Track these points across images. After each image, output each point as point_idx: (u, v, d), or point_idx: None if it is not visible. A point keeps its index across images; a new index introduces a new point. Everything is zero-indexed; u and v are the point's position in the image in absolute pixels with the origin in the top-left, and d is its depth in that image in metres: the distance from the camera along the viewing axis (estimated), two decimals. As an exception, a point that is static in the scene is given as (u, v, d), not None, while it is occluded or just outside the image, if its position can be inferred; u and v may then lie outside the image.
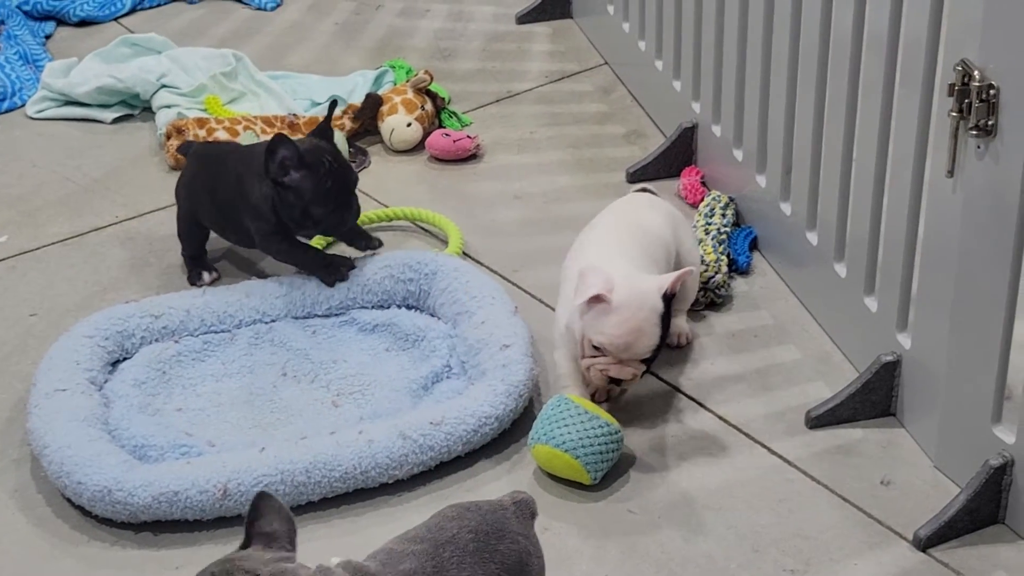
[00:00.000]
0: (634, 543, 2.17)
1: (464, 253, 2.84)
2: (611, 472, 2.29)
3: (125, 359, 2.54)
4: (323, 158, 2.57)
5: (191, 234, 2.80)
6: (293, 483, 2.21)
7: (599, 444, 2.23)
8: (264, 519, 1.70)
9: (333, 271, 2.65)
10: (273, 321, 2.63)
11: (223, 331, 2.61)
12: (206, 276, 2.78)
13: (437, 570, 1.73)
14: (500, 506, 1.84)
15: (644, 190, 2.66)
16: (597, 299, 2.24)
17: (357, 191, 2.64)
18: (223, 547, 2.18)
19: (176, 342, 2.57)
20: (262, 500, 1.70)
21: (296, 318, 2.64)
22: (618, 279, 2.25)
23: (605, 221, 2.50)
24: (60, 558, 2.19)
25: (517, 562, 1.79)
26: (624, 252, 2.36)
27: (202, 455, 2.29)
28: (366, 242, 2.71)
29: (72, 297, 2.77)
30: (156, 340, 2.57)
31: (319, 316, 2.64)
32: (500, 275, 2.79)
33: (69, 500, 2.27)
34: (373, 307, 2.65)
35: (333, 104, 2.71)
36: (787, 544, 2.16)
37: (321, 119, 3.21)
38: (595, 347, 2.27)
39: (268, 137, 2.71)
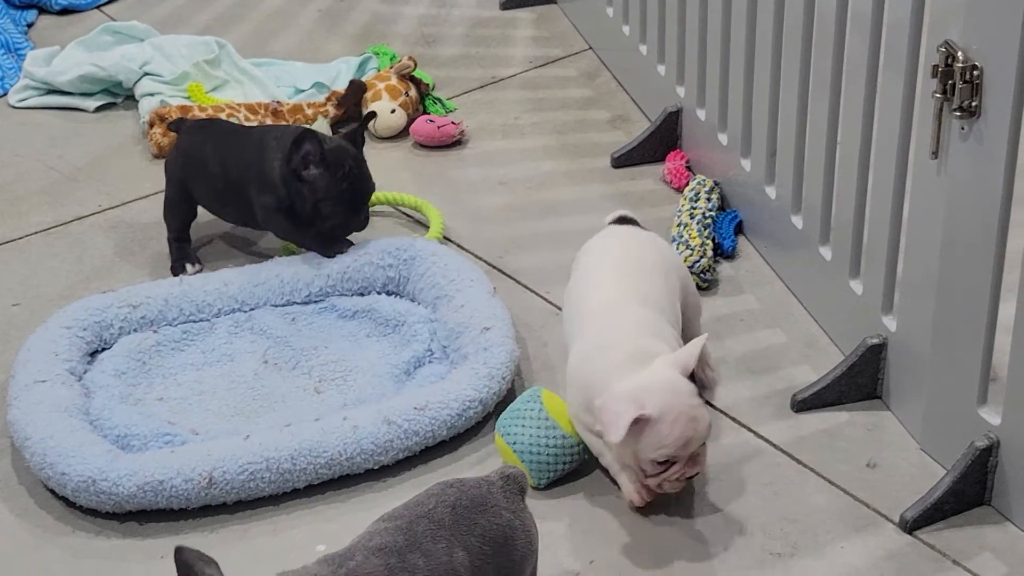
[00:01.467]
0: (620, 528, 2.16)
1: (445, 238, 2.84)
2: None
3: (103, 349, 2.53)
4: (345, 161, 2.59)
5: (177, 213, 2.79)
6: (279, 470, 2.20)
7: (548, 453, 2.20)
8: (196, 566, 1.66)
9: (332, 244, 2.65)
10: (252, 309, 2.62)
11: (202, 320, 2.60)
12: (189, 268, 2.76)
13: (409, 543, 1.73)
14: (486, 481, 1.85)
15: (624, 219, 2.45)
16: (636, 422, 2.02)
17: None
18: (208, 536, 2.18)
19: (155, 332, 2.56)
20: (181, 554, 1.66)
21: (275, 306, 2.63)
22: (640, 391, 2.03)
23: (608, 274, 2.28)
24: (45, 548, 2.18)
25: (501, 535, 1.79)
26: (642, 323, 2.18)
27: (186, 444, 2.28)
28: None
29: (55, 286, 2.76)
30: (135, 330, 2.56)
31: (298, 303, 2.64)
32: (485, 261, 2.78)
33: (52, 491, 2.26)
34: (352, 294, 2.65)
35: (370, 115, 2.70)
36: (774, 528, 2.15)
37: (307, 104, 3.23)
38: (660, 463, 2.08)
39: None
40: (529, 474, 2.22)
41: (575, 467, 2.25)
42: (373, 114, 2.73)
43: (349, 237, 2.68)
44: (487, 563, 1.78)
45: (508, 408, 2.27)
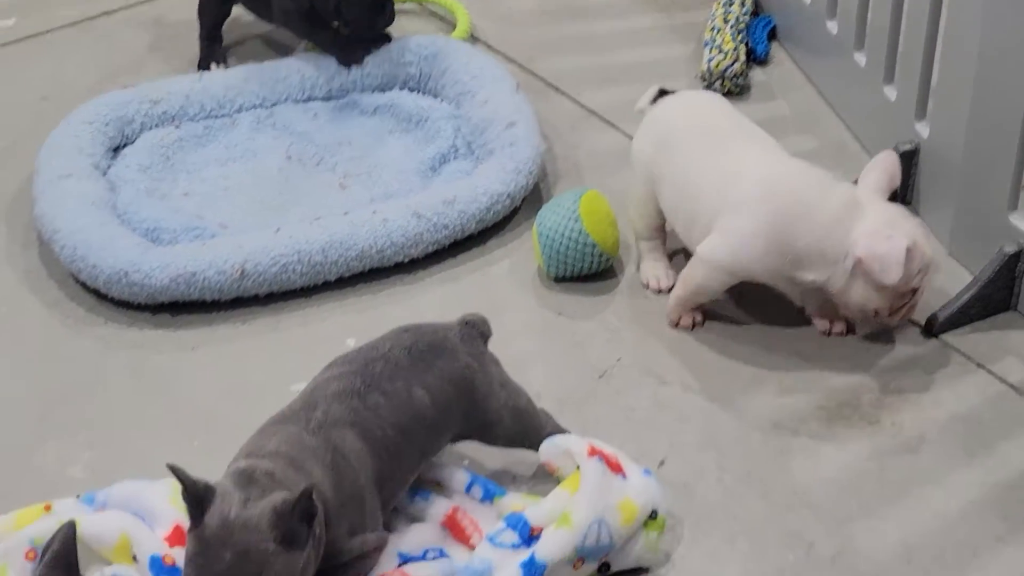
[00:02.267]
0: (648, 326, 2.18)
1: (473, 37, 2.81)
2: (625, 262, 2.29)
3: (126, 145, 2.53)
4: None
5: (211, 10, 2.77)
6: (310, 263, 2.21)
7: (563, 244, 2.20)
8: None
9: (349, 52, 2.62)
10: (273, 105, 2.61)
11: (223, 116, 2.59)
12: (214, 68, 2.75)
13: (367, 384, 1.72)
14: (444, 327, 1.82)
15: (663, 92, 2.27)
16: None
17: None
18: (239, 327, 2.20)
19: (177, 127, 2.55)
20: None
21: (296, 102, 2.62)
22: (884, 226, 1.99)
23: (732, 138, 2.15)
24: (77, 339, 2.20)
25: (459, 377, 1.78)
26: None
27: (216, 237, 2.29)
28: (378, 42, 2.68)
29: (83, 80, 2.75)
30: (156, 126, 2.55)
31: (319, 100, 2.63)
32: (516, 63, 2.76)
33: (83, 283, 2.27)
34: (374, 91, 2.63)
35: None
36: (799, 330, 2.16)
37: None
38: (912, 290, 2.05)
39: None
40: (543, 260, 2.23)
41: (593, 271, 2.25)
42: None
43: (362, 44, 2.64)
44: (452, 404, 1.77)
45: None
